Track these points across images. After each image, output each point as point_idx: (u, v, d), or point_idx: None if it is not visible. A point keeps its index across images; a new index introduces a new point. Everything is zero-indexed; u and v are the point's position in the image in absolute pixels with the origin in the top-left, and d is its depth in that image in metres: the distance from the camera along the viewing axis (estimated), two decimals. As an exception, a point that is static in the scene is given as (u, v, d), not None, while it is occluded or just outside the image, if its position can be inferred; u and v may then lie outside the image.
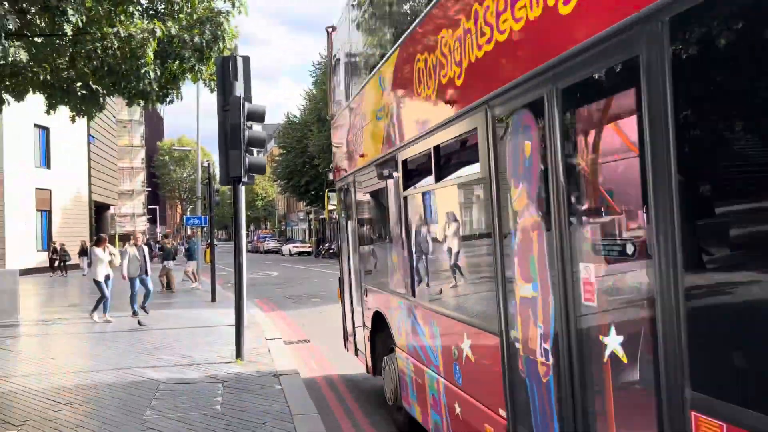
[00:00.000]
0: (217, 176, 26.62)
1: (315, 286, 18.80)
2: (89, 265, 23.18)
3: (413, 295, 4.92)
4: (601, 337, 2.46)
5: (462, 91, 3.66)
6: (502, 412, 3.37)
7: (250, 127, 8.11)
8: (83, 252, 27.31)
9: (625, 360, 2.35)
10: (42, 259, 28.13)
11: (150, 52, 7.45)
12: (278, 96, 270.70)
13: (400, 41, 4.84)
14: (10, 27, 6.28)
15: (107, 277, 12.18)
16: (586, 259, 2.58)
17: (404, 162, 4.93)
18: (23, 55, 6.74)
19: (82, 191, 33.89)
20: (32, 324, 12.53)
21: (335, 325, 11.70)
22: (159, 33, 7.53)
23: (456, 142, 3.99)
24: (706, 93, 1.99)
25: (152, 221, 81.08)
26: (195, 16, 8.22)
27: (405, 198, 5.00)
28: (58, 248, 26.86)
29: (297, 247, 48.74)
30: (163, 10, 8.20)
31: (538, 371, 2.97)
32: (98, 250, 12.29)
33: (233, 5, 8.22)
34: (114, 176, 44.75)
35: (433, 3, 4.06)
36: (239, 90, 7.97)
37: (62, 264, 26.73)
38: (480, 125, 3.43)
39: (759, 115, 1.77)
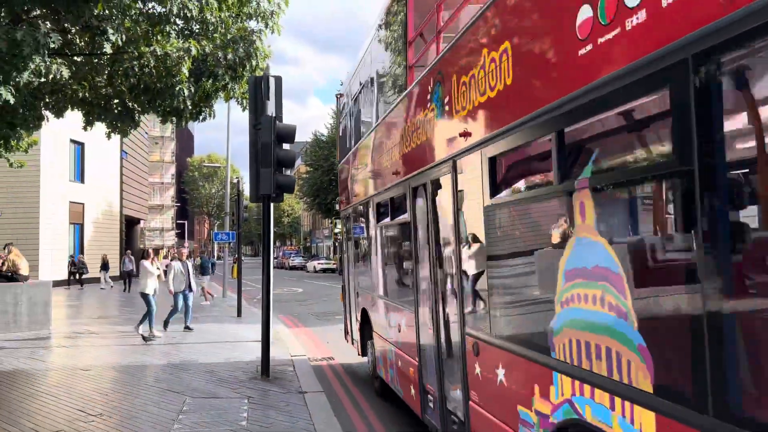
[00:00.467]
0: (246, 193, 27.00)
1: (339, 303, 18.76)
2: (131, 276, 23.76)
3: (380, 293, 7.33)
4: (454, 316, 4.67)
5: (399, 170, 6.02)
6: (417, 359, 5.74)
7: (281, 146, 8.23)
8: (105, 266, 27.60)
9: (459, 330, 4.43)
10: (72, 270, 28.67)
11: (185, 71, 7.62)
12: (306, 115, 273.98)
13: (373, 127, 7.36)
14: (53, 45, 6.48)
15: (154, 292, 12.14)
16: (447, 272, 4.84)
17: (376, 204, 7.28)
18: (65, 73, 6.95)
19: (113, 205, 34.58)
20: (64, 335, 12.75)
21: (360, 343, 11.68)
22: (194, 52, 7.70)
23: (399, 197, 6.24)
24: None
25: (180, 236, 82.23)
26: (229, 36, 8.40)
27: (375, 229, 7.47)
28: (76, 261, 27.17)
29: (321, 263, 48.91)
30: (198, 30, 8.38)
31: (429, 333, 5.27)
32: (147, 263, 12.23)
33: (266, 24, 8.39)
34: (145, 191, 45.57)
35: (388, 112, 6.51)
36: (271, 109, 8.10)
37: (79, 277, 26.95)
38: (406, 191, 5.84)
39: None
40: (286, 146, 8.34)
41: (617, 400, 2.52)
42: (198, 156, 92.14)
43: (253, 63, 8.27)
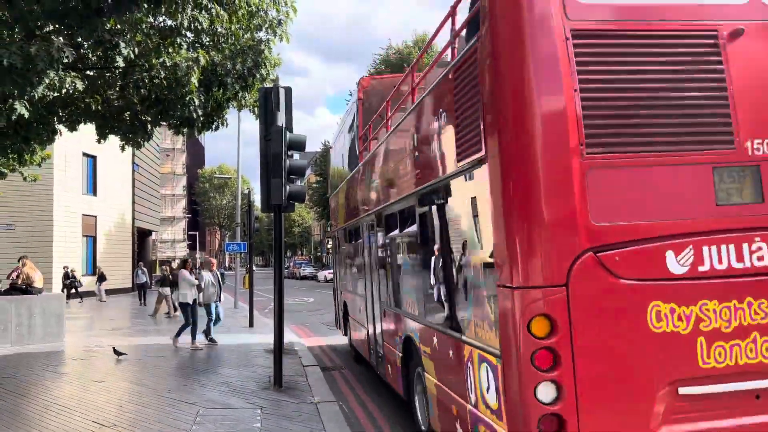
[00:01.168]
0: (257, 203, 27.09)
1: (351, 313, 18.78)
2: (145, 288, 23.65)
3: (349, 289, 10.65)
4: (377, 299, 7.89)
5: (356, 212, 9.10)
6: (366, 326, 8.76)
7: (291, 156, 8.27)
8: (101, 278, 26.84)
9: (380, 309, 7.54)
10: (87, 282, 28.86)
11: (194, 80, 7.68)
12: (316, 125, 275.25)
13: (342, 182, 10.72)
14: (66, 60, 6.57)
15: (194, 302, 12.06)
16: (375, 275, 7.95)
17: (347, 231, 10.55)
18: (79, 86, 7.03)
19: (126, 217, 34.84)
20: (78, 347, 12.82)
21: (372, 352, 11.64)
22: (203, 61, 7.77)
23: (361, 228, 8.85)
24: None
25: (192, 247, 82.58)
26: (238, 47, 8.48)
27: (347, 247, 10.93)
28: (69, 273, 25.76)
29: (332, 273, 48.86)
30: (208, 42, 8.47)
31: (369, 311, 8.39)
32: (187, 273, 12.09)
33: (275, 33, 8.45)
34: (156, 203, 45.88)
35: (351, 175, 9.58)
36: (281, 120, 8.14)
37: (76, 290, 25.58)
38: (360, 225, 8.88)
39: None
40: (296, 156, 8.38)
41: (418, 325, 5.71)
42: (209, 167, 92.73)
43: (263, 72, 8.34)
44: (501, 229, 3.50)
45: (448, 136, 4.33)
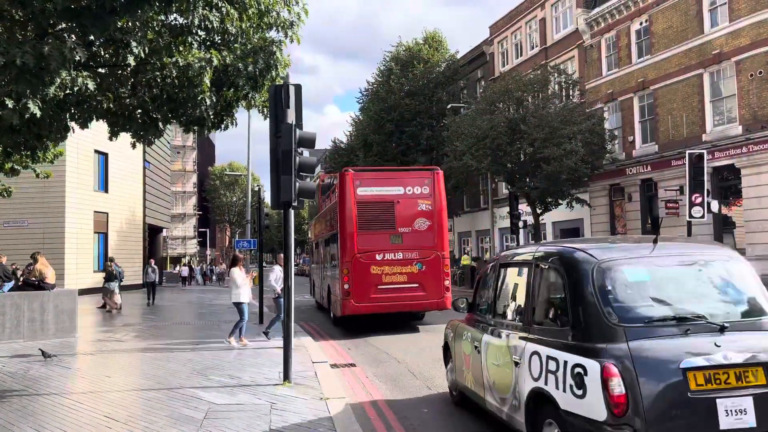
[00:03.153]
0: (267, 200, 26.94)
1: (389, 326, 18.81)
2: (155, 287, 23.18)
3: (314, 272, 22.43)
4: (328, 275, 17.66)
5: (315, 235, 21.98)
6: (319, 287, 20.37)
7: (301, 153, 8.30)
8: (110, 277, 24.64)
9: (334, 289, 16.41)
10: (99, 279, 29.06)
11: (207, 81, 7.73)
12: (325, 123, 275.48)
13: (313, 218, 25.39)
14: (78, 58, 6.63)
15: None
16: (327, 265, 18.15)
17: (313, 243, 22.72)
18: (90, 85, 7.09)
19: (136, 214, 35.08)
20: (89, 342, 12.95)
21: (381, 349, 11.68)
22: (215, 62, 7.82)
23: (318, 243, 20.43)
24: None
25: (202, 244, 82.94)
26: (249, 46, 8.51)
27: (314, 252, 22.78)
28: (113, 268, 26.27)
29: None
30: (219, 41, 8.51)
31: (321, 279, 19.40)
32: (238, 271, 12.02)
33: (286, 35, 8.49)
34: (167, 200, 46.12)
35: (315, 217, 23.72)
36: (291, 117, 8.17)
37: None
38: (319, 243, 20.66)
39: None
40: (306, 153, 8.41)
41: (331, 281, 16.89)
42: (219, 165, 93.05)
43: (273, 73, 8.36)
44: (341, 251, 14.82)
45: (334, 218, 15.87)
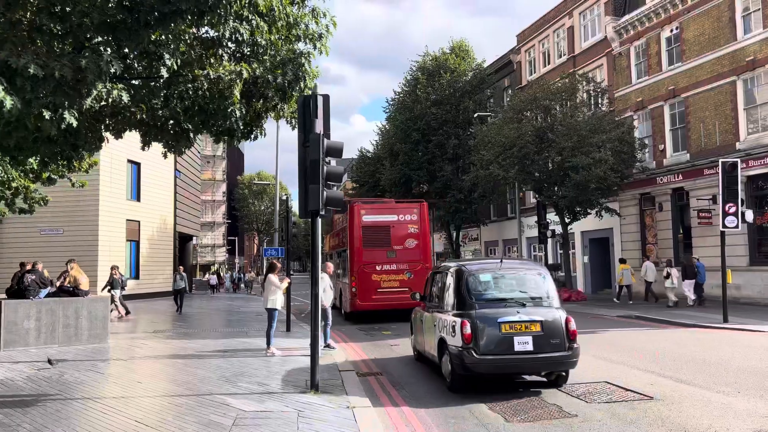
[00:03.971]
0: (294, 209, 27.79)
1: (386, 319, 18.83)
2: (183, 294, 23.44)
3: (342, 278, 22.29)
4: (341, 285, 21.18)
5: (330, 248, 26.39)
6: (339, 297, 21.36)
7: (329, 163, 8.39)
8: (112, 284, 21.63)
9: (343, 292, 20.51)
10: (131, 286, 29.59)
11: (237, 93, 7.87)
12: (351, 132, 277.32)
13: (327, 234, 28.92)
14: (114, 71, 6.82)
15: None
16: (342, 271, 21.91)
17: (330, 255, 25.93)
18: (125, 97, 7.28)
19: (167, 223, 35.67)
20: (121, 348, 13.20)
21: (408, 358, 11.67)
22: (245, 74, 7.96)
23: (337, 254, 23.50)
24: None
25: (231, 252, 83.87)
26: (278, 58, 8.64)
27: (329, 259, 24.72)
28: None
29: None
30: (249, 53, 8.66)
31: (345, 290, 20.77)
32: (275, 278, 12.14)
33: (314, 46, 8.60)
34: (197, 209, 46.80)
35: (329, 233, 28.25)
36: (319, 127, 8.27)
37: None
38: (333, 254, 25.37)
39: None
40: (333, 162, 8.50)
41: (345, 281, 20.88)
42: (248, 174, 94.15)
43: (302, 84, 8.47)
44: (350, 263, 19.61)
45: (345, 237, 20.85)
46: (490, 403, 7.86)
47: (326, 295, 12.58)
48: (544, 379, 9.00)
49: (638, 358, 10.86)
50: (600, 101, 27.41)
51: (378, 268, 19.00)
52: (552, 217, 27.17)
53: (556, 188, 25.14)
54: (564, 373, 8.78)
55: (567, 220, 25.99)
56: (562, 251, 28.14)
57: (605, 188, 23.66)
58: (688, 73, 23.86)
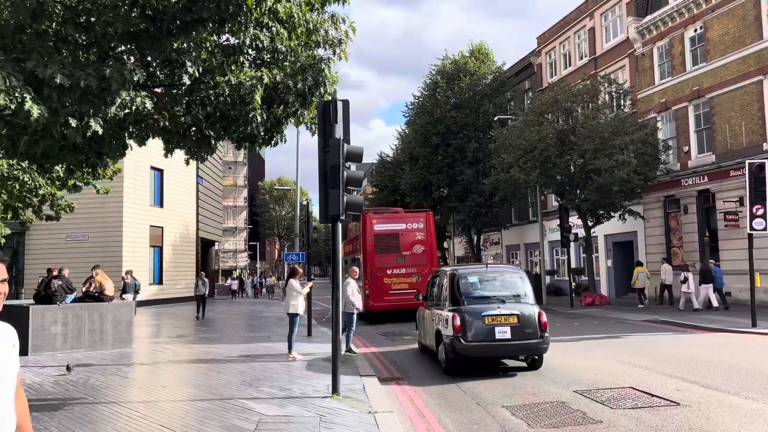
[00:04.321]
0: (315, 214, 28.08)
1: (406, 323, 18.78)
2: (205, 300, 23.39)
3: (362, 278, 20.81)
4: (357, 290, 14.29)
5: (346, 253, 25.30)
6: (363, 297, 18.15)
7: (348, 168, 8.40)
8: (124, 290, 20.77)
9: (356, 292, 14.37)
10: (154, 291, 29.92)
11: (257, 98, 7.93)
12: (370, 137, 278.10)
13: (344, 241, 25.85)
14: (137, 79, 6.92)
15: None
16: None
17: (345, 260, 22.97)
18: (148, 104, 7.38)
19: (190, 228, 36.07)
20: (145, 353, 13.35)
21: (429, 363, 11.62)
22: (266, 80, 8.01)
23: (351, 260, 23.63)
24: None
25: (252, 257, 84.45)
26: (298, 64, 8.69)
27: (345, 268, 17.39)
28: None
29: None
30: (269, 59, 8.73)
31: (360, 292, 15.21)
32: (296, 283, 12.23)
33: (334, 52, 8.64)
34: (219, 214, 47.24)
35: (350, 237, 25.89)
36: (338, 132, 8.30)
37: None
38: (348, 259, 25.06)
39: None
40: (353, 167, 8.51)
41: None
42: (269, 180, 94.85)
43: (322, 90, 8.51)
44: (364, 267, 20.82)
45: (358, 245, 22.46)
46: (512, 409, 7.79)
47: (355, 298, 13.01)
48: (524, 364, 10.77)
49: (664, 363, 10.69)
50: (622, 103, 27.11)
51: (389, 272, 20.90)
52: (574, 220, 26.90)
53: (578, 191, 24.90)
54: (537, 357, 10.40)
55: (590, 224, 25.71)
56: (585, 255, 27.84)
57: (628, 191, 23.38)
58: (713, 73, 23.50)
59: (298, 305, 12.10)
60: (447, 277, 11.06)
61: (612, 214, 24.73)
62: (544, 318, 10.19)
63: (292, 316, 12.09)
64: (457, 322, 9.97)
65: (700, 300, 20.33)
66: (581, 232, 26.61)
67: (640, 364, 10.75)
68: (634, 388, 8.72)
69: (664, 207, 26.04)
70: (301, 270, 13.36)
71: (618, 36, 29.29)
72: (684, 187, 24.67)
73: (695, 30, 24.66)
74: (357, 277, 14.26)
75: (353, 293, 13.01)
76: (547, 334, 10.15)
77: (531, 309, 10.27)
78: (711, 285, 20.08)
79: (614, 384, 9.07)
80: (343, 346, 11.96)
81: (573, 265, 29.24)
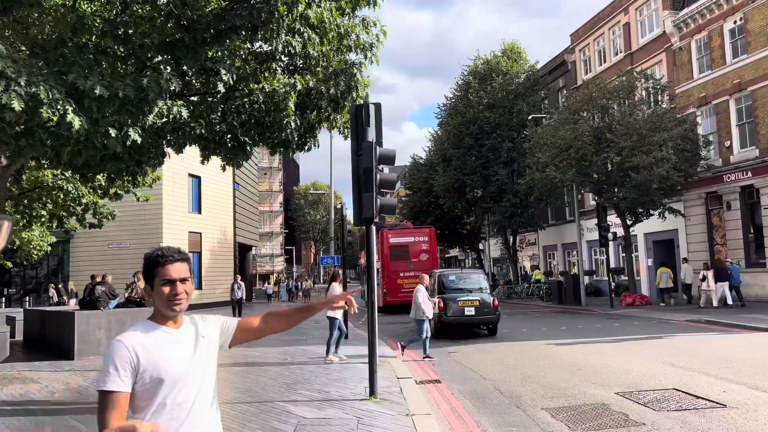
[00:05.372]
0: (349, 217, 28.33)
1: (405, 310, 18.68)
2: (241, 305, 23.72)
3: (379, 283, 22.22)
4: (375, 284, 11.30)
5: (362, 260, 32.03)
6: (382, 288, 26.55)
7: (381, 170, 8.43)
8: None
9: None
10: (194, 296, 30.43)
11: (291, 105, 8.03)
12: (402, 140, 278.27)
13: (362, 250, 32.40)
14: (173, 88, 7.08)
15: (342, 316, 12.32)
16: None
17: (363, 266, 22.28)
18: (184, 113, 7.54)
19: (227, 234, 36.62)
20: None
21: (465, 366, 11.55)
22: (299, 86, 8.11)
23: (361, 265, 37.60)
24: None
25: (289, 261, 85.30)
26: (330, 69, 8.77)
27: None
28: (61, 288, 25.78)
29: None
30: (301, 65, 8.83)
31: (378, 291, 18.62)
32: (338, 287, 12.48)
33: (365, 56, 8.69)
34: (255, 219, 47.86)
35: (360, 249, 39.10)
36: (371, 135, 8.33)
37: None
38: (360, 265, 42.26)
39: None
40: (386, 170, 8.54)
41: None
42: (303, 184, 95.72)
43: (354, 94, 8.57)
44: (381, 272, 26.22)
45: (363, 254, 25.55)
46: (553, 411, 7.69)
47: (426, 306, 12.75)
48: (485, 332, 16.44)
49: (709, 364, 10.40)
50: (660, 98, 26.52)
51: (401, 275, 26.52)
52: (613, 219, 26.40)
53: (616, 189, 24.43)
54: (492, 326, 16.11)
55: (629, 223, 25.20)
56: (624, 254, 27.29)
57: (668, 188, 22.84)
58: (755, 66, 22.81)
59: (338, 310, 12.11)
60: (436, 277, 17.12)
61: (651, 212, 24.19)
62: (497, 302, 16.21)
63: (332, 320, 12.15)
64: (441, 304, 15.69)
65: (717, 298, 20.78)
66: (620, 231, 26.09)
67: (684, 365, 10.48)
68: (678, 390, 8.51)
69: (705, 204, 25.36)
70: (340, 275, 13.44)
71: (654, 30, 28.68)
72: (726, 183, 23.98)
73: (734, 22, 23.98)
74: (428, 285, 14.11)
75: (424, 301, 12.76)
76: (498, 312, 16.00)
77: (488, 297, 16.12)
78: (727, 283, 20.46)
79: (657, 385, 8.86)
80: (342, 353, 12.24)
81: (612, 264, 28.69)
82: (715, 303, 20.70)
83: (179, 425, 2.33)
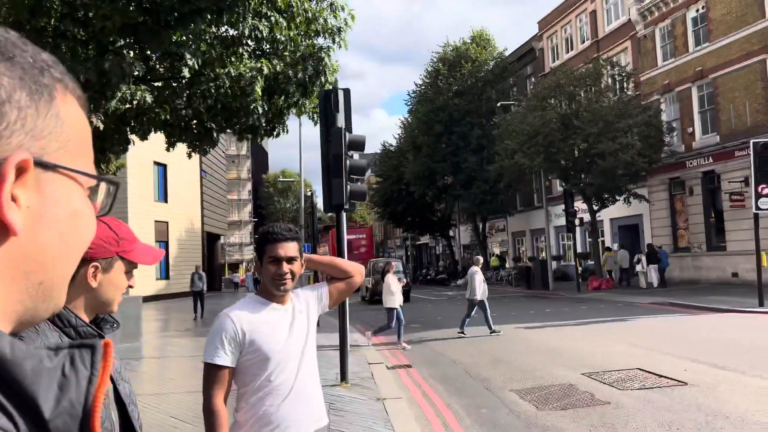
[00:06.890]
0: (319, 205, 28.37)
1: (413, 313, 18.84)
2: (203, 297, 23.51)
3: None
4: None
5: (327, 253, 34.83)
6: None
7: (351, 157, 8.39)
8: None
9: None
10: (161, 286, 30.05)
11: (258, 89, 7.93)
12: (372, 127, 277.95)
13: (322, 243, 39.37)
14: (136, 73, 6.93)
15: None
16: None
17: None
18: (148, 98, 7.39)
19: (195, 223, 36.16)
20: (153, 347, 13.43)
21: (436, 350, 11.66)
22: (266, 71, 8.01)
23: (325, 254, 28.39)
24: None
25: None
26: (298, 53, 8.68)
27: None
28: None
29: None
30: (269, 50, 8.72)
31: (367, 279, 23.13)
32: (393, 279, 12.88)
33: (333, 41, 8.62)
34: (224, 208, 47.33)
35: (323, 241, 39.40)
36: (341, 121, 8.28)
37: None
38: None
39: None
40: (356, 156, 8.51)
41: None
42: (272, 172, 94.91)
43: (322, 79, 8.50)
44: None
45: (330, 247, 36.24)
46: (521, 393, 7.82)
47: (479, 289, 13.26)
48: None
49: (672, 344, 10.69)
50: (625, 85, 26.95)
51: None
52: (580, 205, 26.85)
53: (582, 176, 24.83)
54: (405, 294, 17.92)
55: (595, 208, 25.65)
56: (590, 239, 27.81)
57: (633, 174, 23.29)
58: (716, 53, 23.32)
59: (396, 300, 12.49)
60: (370, 265, 23.20)
61: (617, 197, 24.66)
62: (406, 280, 20.64)
63: (389, 311, 12.50)
64: (372, 280, 22.08)
65: (646, 279, 23.32)
66: (586, 217, 26.56)
67: (648, 345, 10.75)
68: (641, 369, 8.73)
69: (669, 189, 25.94)
70: (393, 265, 13.89)
71: (620, 18, 29.08)
72: (689, 169, 24.56)
73: (697, 10, 24.45)
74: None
75: (479, 284, 13.25)
76: (409, 286, 20.25)
77: (403, 277, 20.19)
78: (656, 265, 22.92)
79: (622, 366, 9.08)
80: (404, 343, 12.47)
81: (579, 249, 29.21)
82: (643, 284, 23.20)
83: (282, 401, 2.38)
